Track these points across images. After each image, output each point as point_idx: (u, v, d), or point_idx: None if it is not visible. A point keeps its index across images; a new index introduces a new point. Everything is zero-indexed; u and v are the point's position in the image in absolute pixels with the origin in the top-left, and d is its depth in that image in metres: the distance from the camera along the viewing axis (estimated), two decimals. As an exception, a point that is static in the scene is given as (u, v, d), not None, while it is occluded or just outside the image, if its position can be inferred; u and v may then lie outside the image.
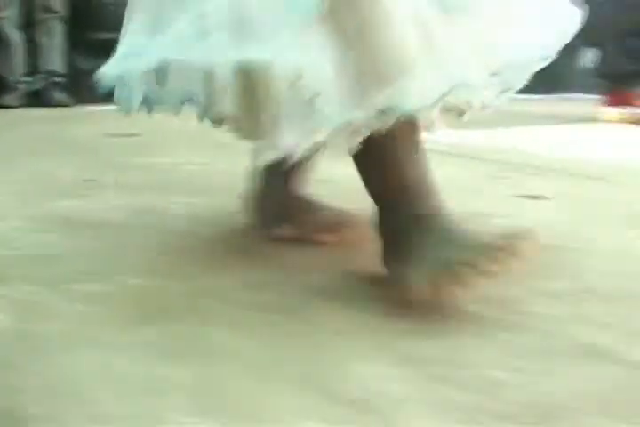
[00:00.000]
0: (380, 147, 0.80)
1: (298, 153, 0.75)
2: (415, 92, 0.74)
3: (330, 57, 0.73)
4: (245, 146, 0.89)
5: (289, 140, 0.74)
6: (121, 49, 0.86)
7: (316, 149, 0.77)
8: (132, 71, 0.81)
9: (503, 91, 0.87)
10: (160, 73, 0.79)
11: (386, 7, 0.74)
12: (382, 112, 0.74)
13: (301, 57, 0.73)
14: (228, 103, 0.76)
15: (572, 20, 0.90)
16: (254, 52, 0.73)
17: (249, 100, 0.75)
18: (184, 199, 1.26)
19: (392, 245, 0.83)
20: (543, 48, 0.85)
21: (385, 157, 0.83)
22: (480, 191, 1.36)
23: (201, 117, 0.79)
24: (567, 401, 0.59)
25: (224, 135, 0.86)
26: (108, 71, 0.84)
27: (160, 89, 0.80)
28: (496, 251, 0.73)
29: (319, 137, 0.74)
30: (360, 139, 0.76)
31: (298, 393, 0.60)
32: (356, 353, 0.68)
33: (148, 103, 0.83)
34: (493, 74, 0.80)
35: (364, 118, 0.74)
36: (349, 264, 0.91)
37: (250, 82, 0.74)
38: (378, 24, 0.74)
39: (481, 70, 0.79)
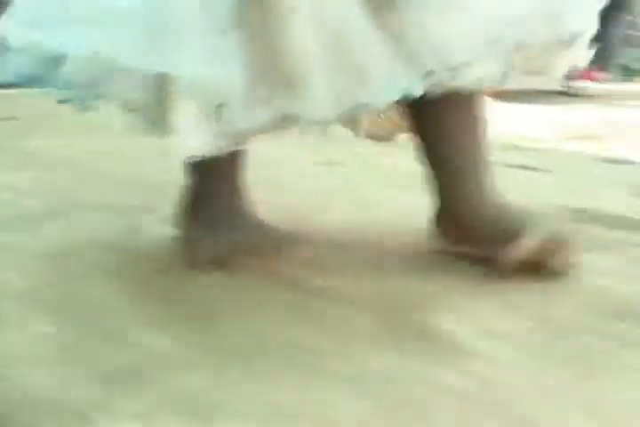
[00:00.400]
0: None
1: (208, 153, 0.77)
2: (315, 103, 0.75)
3: (240, 63, 0.74)
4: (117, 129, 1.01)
5: (195, 142, 0.75)
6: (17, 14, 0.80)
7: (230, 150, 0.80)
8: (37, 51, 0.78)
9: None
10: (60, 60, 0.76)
11: (298, 19, 0.74)
12: (285, 118, 0.76)
13: (212, 67, 0.74)
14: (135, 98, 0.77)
15: None
16: (164, 62, 0.73)
17: (155, 102, 0.77)
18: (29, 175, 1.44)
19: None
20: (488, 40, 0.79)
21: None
22: (288, 160, 1.56)
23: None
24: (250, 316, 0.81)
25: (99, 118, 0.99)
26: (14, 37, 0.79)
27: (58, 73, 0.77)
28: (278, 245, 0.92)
29: (227, 140, 0.76)
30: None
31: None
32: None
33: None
34: (427, 74, 0.78)
35: (267, 123, 0.76)
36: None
37: (157, 88, 0.75)
38: (285, 34, 0.74)
39: (401, 76, 0.77)
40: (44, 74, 0.77)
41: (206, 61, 0.73)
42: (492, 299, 0.86)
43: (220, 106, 0.74)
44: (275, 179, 1.32)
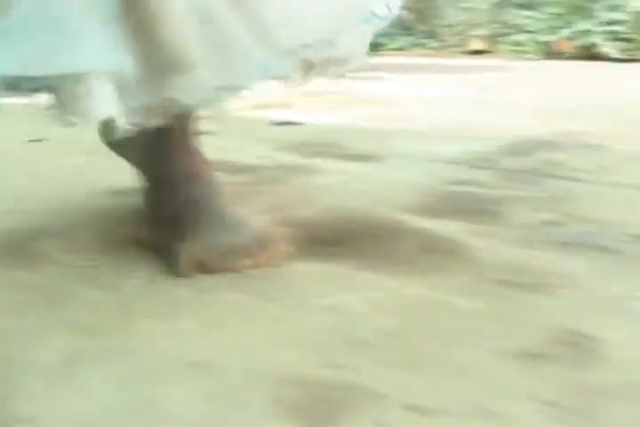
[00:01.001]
0: (158, 134, 0.85)
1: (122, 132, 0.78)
2: (193, 87, 0.79)
3: (125, 51, 0.77)
4: None
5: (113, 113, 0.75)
6: None
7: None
8: None
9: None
10: None
11: (168, 7, 0.78)
12: (168, 101, 0.80)
13: (102, 56, 0.76)
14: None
15: None
16: (53, 55, 0.74)
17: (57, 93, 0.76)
18: None
19: (168, 223, 0.95)
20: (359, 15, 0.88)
21: (163, 145, 0.91)
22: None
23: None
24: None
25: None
26: None
27: None
28: (263, 243, 0.91)
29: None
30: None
31: None
32: None
33: None
34: (289, 53, 0.83)
35: (157, 107, 0.80)
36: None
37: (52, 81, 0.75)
38: (160, 22, 0.78)
39: (268, 56, 0.82)
40: None
41: (95, 51, 0.76)
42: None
43: (116, 92, 0.77)
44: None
